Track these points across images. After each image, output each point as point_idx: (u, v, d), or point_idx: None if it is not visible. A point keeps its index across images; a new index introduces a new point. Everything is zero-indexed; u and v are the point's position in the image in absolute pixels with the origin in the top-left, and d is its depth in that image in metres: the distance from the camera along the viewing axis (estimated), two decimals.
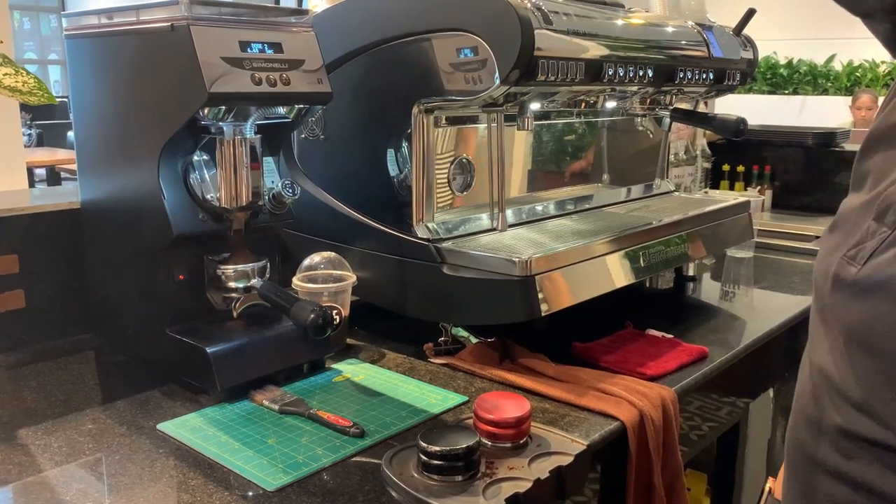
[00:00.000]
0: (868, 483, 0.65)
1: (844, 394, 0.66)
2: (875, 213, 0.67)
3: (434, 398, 1.09)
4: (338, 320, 1.24)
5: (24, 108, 5.82)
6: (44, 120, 6.71)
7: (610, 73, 1.26)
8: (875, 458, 0.64)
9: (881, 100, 0.83)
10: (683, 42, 1.48)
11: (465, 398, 1.09)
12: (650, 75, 1.36)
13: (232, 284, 1.14)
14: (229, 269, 1.13)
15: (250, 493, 0.84)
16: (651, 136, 1.76)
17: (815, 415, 0.70)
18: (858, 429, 0.65)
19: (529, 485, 0.85)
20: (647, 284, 1.73)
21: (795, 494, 0.74)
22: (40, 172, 6.02)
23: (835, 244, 0.71)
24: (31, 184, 5.21)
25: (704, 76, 1.51)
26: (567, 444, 0.94)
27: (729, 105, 1.99)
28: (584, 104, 1.47)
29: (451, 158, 1.31)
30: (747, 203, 1.70)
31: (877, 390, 0.63)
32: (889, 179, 0.69)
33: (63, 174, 6.02)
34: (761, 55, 1.74)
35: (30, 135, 6.30)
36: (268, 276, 1.17)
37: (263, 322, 1.16)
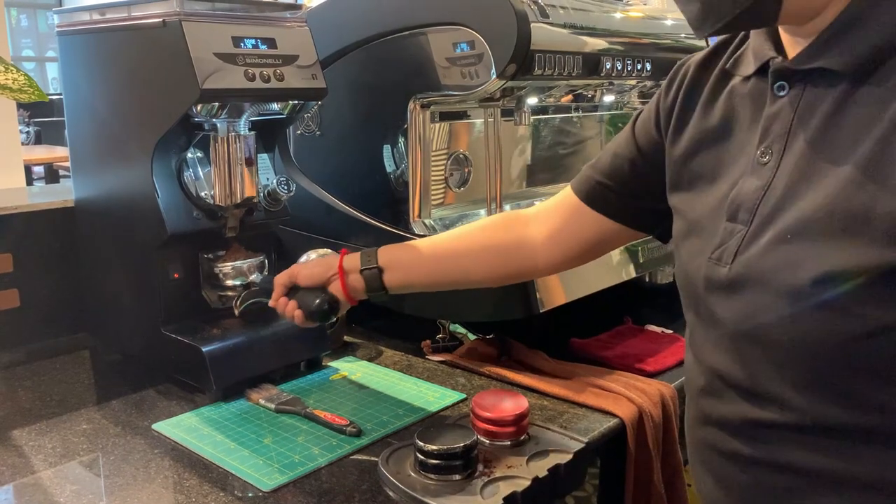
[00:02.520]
0: (782, 462, 0.67)
1: (736, 385, 0.70)
2: (727, 214, 0.71)
3: (432, 396, 1.08)
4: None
5: (23, 105, 5.80)
6: (42, 118, 6.69)
7: (608, 66, 1.25)
8: (778, 437, 0.67)
9: None
10: (682, 35, 1.47)
11: (463, 395, 1.08)
12: (648, 69, 1.35)
13: (230, 283, 1.13)
14: (227, 266, 1.12)
15: (246, 494, 0.83)
16: None
17: (714, 412, 0.73)
18: (756, 415, 0.68)
19: (528, 483, 0.84)
20: (647, 279, 1.71)
21: (712, 488, 0.75)
22: (38, 170, 6.01)
23: (697, 249, 0.74)
24: (30, 182, 5.20)
25: None
26: (566, 442, 0.93)
27: None
28: (581, 98, 1.46)
29: (448, 154, 1.30)
30: None
31: (763, 372, 0.67)
32: (727, 181, 0.73)
33: (62, 172, 6.01)
34: None
35: (28, 132, 6.28)
36: (266, 272, 1.16)
37: (259, 320, 1.15)
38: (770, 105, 0.70)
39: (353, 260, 0.99)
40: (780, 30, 0.70)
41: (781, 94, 0.69)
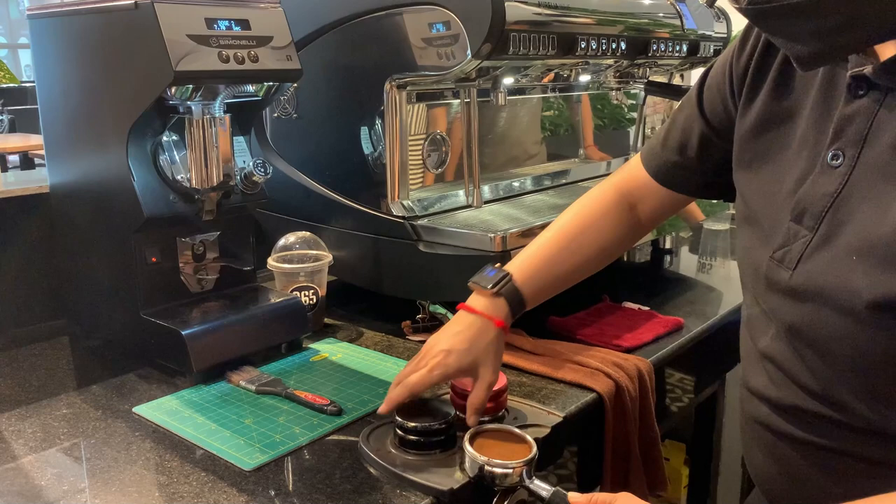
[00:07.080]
0: (836, 448, 0.67)
1: (801, 383, 0.69)
2: (792, 214, 0.68)
3: None
4: (315, 300, 1.23)
5: None
6: (16, 105, 6.59)
7: (583, 45, 1.26)
8: (834, 429, 0.67)
9: None
10: (658, 14, 1.47)
11: None
12: (623, 48, 1.35)
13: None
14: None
15: (228, 474, 0.84)
16: (627, 109, 1.76)
17: (774, 396, 0.73)
18: (812, 408, 0.68)
19: None
20: (624, 258, 1.73)
21: (763, 461, 0.75)
22: (14, 159, 5.92)
23: (756, 239, 0.73)
24: (5, 170, 5.13)
25: (678, 48, 1.51)
26: (544, 417, 0.95)
27: None
28: (557, 77, 1.46)
29: (426, 135, 1.31)
30: None
31: (821, 374, 0.66)
32: (791, 173, 0.70)
33: (37, 160, 5.92)
34: (738, 27, 1.74)
35: (2, 120, 6.18)
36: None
37: (239, 303, 1.16)
38: (846, 103, 0.65)
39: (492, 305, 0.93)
40: None
41: (860, 93, 0.64)
